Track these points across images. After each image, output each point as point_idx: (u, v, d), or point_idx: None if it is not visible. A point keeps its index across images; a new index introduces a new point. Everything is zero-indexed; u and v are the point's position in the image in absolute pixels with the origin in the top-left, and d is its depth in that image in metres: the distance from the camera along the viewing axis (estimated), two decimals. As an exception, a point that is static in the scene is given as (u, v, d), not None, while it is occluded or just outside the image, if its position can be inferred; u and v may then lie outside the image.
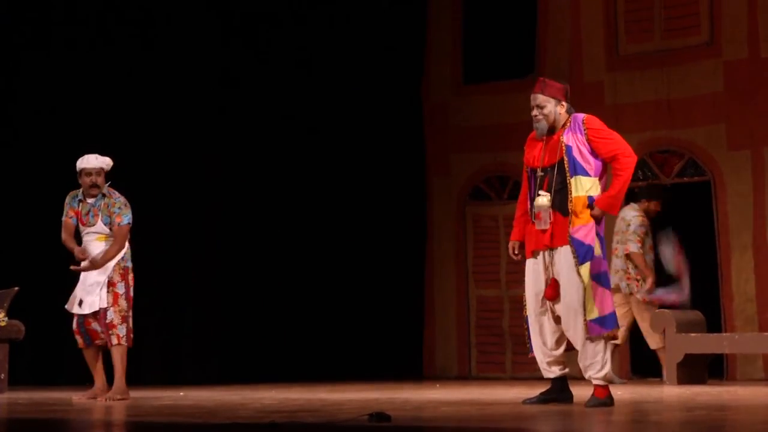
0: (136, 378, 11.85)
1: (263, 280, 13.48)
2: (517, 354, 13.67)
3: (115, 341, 9.14)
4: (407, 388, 10.81)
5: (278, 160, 13.77)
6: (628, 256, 11.40)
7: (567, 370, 7.65)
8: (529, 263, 7.57)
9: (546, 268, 7.43)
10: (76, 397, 9.16)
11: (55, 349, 12.72)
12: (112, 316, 9.14)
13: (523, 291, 7.65)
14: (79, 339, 9.33)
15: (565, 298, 7.29)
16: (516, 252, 7.70)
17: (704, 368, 11.24)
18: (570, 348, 7.51)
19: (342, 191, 14.08)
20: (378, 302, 14.09)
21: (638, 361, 12.84)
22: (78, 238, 9.37)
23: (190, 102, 13.16)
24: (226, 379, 12.43)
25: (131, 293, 9.30)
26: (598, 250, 7.27)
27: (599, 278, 7.23)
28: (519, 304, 14.20)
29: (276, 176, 13.73)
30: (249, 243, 13.45)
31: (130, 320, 9.25)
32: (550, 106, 7.50)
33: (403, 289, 14.35)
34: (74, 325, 9.34)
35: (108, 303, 9.16)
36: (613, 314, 7.26)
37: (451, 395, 9.16)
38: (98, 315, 9.17)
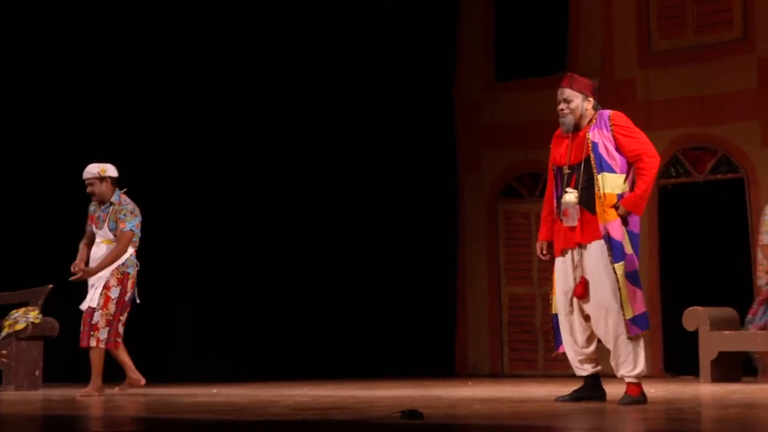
0: (168, 375, 11.92)
1: (297, 277, 13.53)
2: (550, 351, 13.63)
3: (93, 343, 9.34)
4: (439, 385, 10.81)
5: (311, 158, 13.80)
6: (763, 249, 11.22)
7: (600, 367, 7.61)
8: (558, 261, 7.55)
9: (575, 267, 7.41)
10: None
11: (89, 346, 12.78)
12: (97, 318, 9.35)
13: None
14: None
15: (596, 295, 7.26)
16: (544, 252, 7.68)
17: (738, 366, 11.17)
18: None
19: (374, 189, 14.09)
20: (410, 300, 14.09)
21: (671, 358, 12.79)
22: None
23: (215, 97, 13.23)
24: (259, 377, 12.46)
25: (126, 298, 9.47)
26: (629, 248, 7.23)
27: (632, 277, 7.20)
28: (550, 301, 14.27)
29: (308, 174, 13.77)
30: (282, 240, 13.49)
31: (119, 325, 9.44)
32: (577, 101, 7.50)
33: (435, 287, 14.34)
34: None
35: (98, 305, 9.35)
36: (645, 314, 7.23)
37: (483, 393, 9.16)
38: (85, 312, 9.38)
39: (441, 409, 6.91)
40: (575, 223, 7.32)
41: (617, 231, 7.21)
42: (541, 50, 14.17)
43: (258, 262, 13.33)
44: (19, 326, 10.62)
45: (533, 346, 13.97)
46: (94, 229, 9.58)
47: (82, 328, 9.37)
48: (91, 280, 9.44)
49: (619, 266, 7.15)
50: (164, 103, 13.06)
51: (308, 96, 13.93)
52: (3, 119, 12.67)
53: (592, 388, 7.61)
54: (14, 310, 10.83)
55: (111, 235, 9.49)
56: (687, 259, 12.96)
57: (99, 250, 9.49)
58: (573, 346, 7.53)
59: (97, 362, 9.37)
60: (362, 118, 14.13)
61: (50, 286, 10.90)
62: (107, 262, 9.37)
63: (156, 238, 10.10)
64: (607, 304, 7.20)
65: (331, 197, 13.90)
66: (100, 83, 12.85)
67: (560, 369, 13.35)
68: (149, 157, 12.66)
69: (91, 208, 9.69)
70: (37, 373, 10.73)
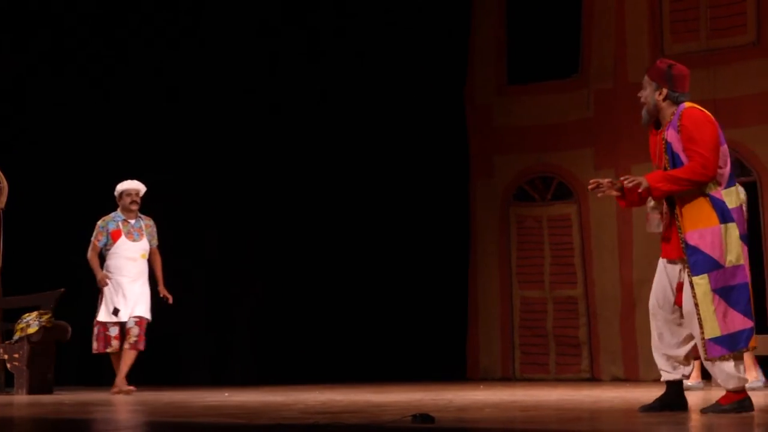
0: (181, 378, 11.93)
1: (307, 281, 13.53)
2: (561, 355, 13.62)
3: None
4: (451, 389, 10.80)
5: (323, 163, 13.81)
6: None
7: (689, 373, 6.84)
8: (661, 262, 6.83)
9: (677, 275, 6.70)
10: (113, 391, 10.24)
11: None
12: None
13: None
14: (116, 344, 10.44)
15: (685, 306, 6.64)
16: (608, 183, 6.83)
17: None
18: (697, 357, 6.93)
19: (386, 193, 14.09)
20: (422, 303, 14.08)
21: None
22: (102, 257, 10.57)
23: (239, 105, 13.26)
24: (270, 380, 12.46)
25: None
26: (728, 259, 6.47)
27: (724, 292, 6.47)
28: (563, 305, 14.25)
29: (321, 179, 13.78)
30: (292, 245, 13.49)
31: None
32: (648, 90, 6.73)
33: (447, 291, 14.33)
34: (115, 332, 10.43)
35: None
36: (741, 333, 6.55)
37: (494, 397, 9.14)
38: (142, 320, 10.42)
39: (452, 413, 6.90)
40: (656, 230, 6.73)
41: (704, 239, 6.47)
42: (554, 53, 14.13)
43: (268, 267, 13.33)
44: (31, 330, 10.63)
45: (545, 350, 13.94)
46: (127, 241, 10.34)
47: (141, 332, 10.36)
48: (142, 291, 10.37)
49: (700, 279, 6.45)
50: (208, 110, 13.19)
51: (320, 100, 13.93)
52: (15, 122, 12.72)
53: (675, 395, 6.83)
54: (26, 314, 10.84)
55: (149, 248, 10.45)
56: None
57: (140, 264, 10.37)
58: (660, 348, 6.78)
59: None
60: (374, 122, 14.13)
61: (62, 290, 10.91)
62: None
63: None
64: (690, 315, 6.56)
65: (343, 200, 13.90)
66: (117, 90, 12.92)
67: (572, 373, 13.34)
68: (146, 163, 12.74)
69: (115, 223, 10.40)
70: (48, 376, 10.74)
